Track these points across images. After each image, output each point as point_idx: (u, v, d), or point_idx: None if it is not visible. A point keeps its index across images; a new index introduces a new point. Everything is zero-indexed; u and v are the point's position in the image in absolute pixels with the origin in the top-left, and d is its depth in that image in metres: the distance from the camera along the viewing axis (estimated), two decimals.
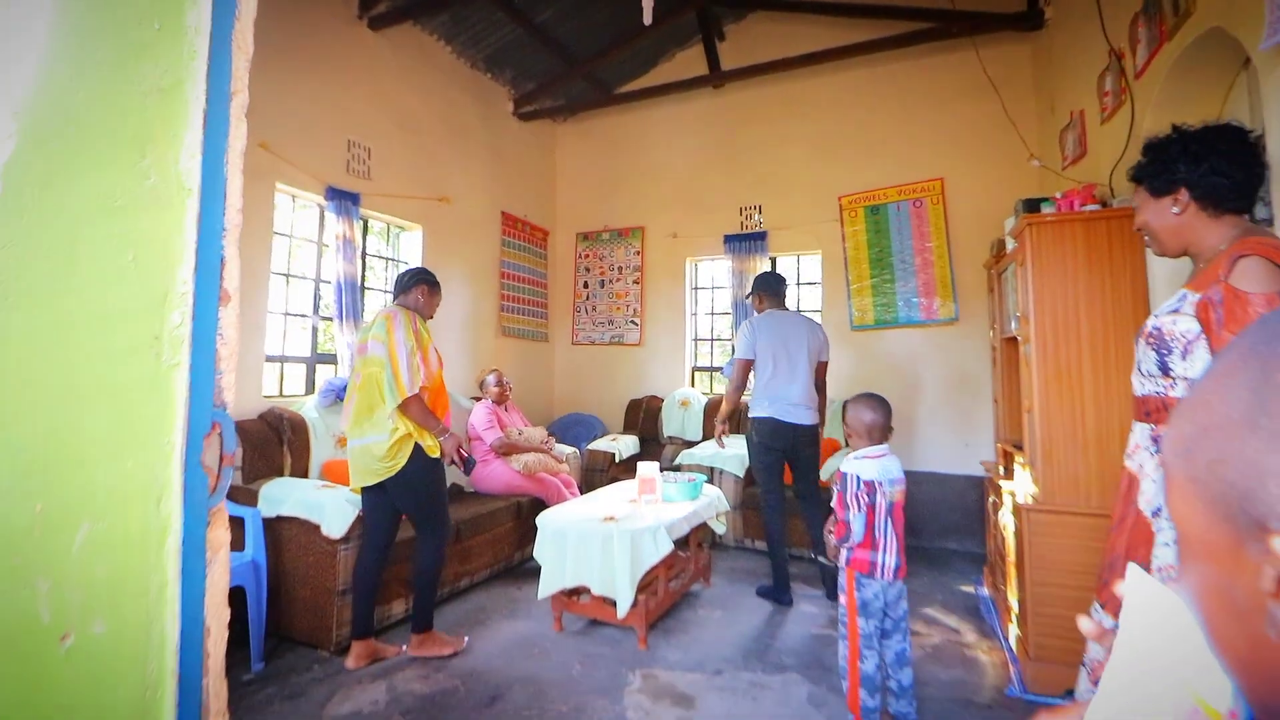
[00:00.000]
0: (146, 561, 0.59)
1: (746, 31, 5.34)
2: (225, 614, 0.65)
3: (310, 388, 3.85)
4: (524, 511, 3.78)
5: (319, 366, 3.94)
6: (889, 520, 1.99)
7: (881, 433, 2.10)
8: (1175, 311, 1.35)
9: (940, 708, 2.26)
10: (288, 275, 3.75)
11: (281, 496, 2.73)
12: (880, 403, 2.14)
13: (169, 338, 0.62)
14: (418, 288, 2.76)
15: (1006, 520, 2.78)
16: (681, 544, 3.16)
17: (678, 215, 5.60)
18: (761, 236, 5.16)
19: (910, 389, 4.61)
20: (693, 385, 5.57)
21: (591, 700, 2.33)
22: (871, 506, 1.99)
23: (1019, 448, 2.78)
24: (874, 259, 4.84)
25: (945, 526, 4.38)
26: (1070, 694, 1.77)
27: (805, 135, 5.15)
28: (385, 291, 4.46)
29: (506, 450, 3.91)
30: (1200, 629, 0.37)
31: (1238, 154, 1.32)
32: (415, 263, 4.50)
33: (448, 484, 2.84)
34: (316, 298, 3.92)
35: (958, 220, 4.54)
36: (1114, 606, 1.49)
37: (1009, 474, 2.97)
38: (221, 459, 0.65)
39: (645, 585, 2.85)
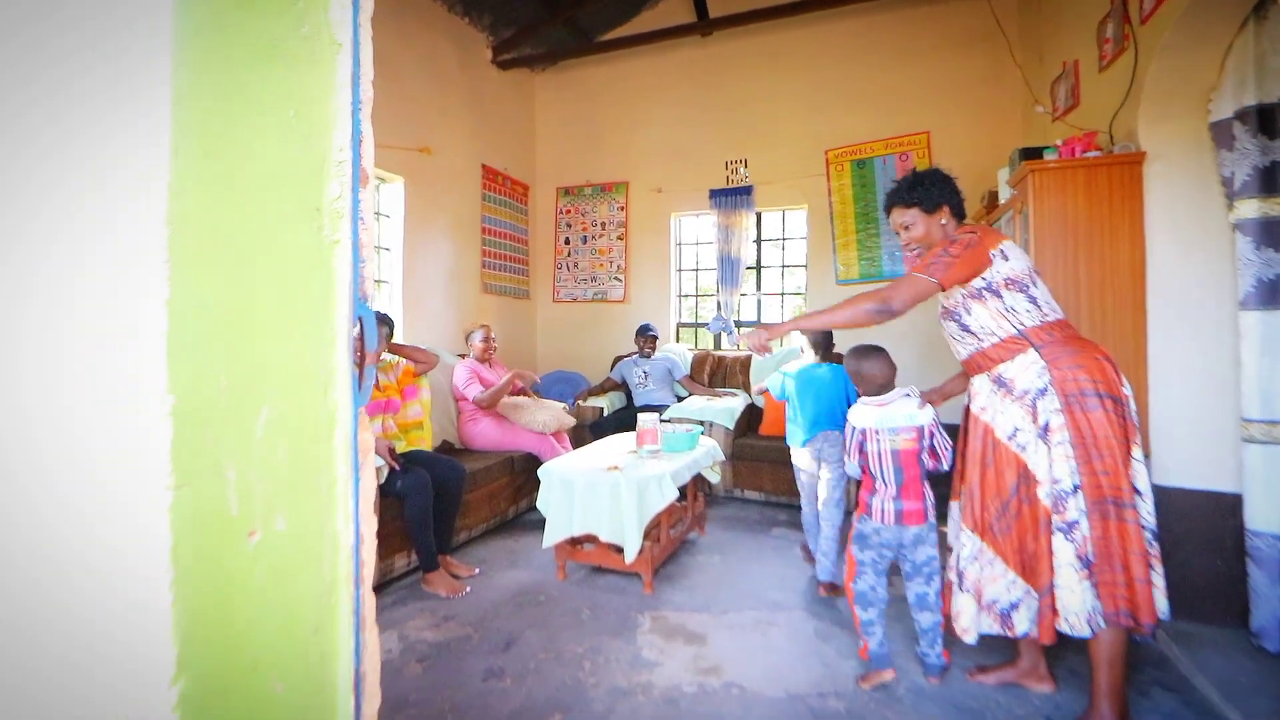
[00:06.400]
0: (318, 456, 0.55)
1: None
2: (374, 523, 0.61)
3: None
4: (517, 466, 3.75)
5: None
6: (895, 467, 2.05)
7: (880, 385, 2.17)
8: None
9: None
10: None
11: None
12: (877, 354, 2.23)
13: (329, 210, 0.56)
14: None
15: None
16: (680, 493, 3.19)
17: (662, 169, 5.50)
18: (748, 191, 5.12)
19: (895, 342, 4.66)
20: (678, 341, 5.56)
21: (606, 641, 2.36)
22: (864, 452, 2.09)
23: None
24: (859, 213, 4.86)
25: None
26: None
27: (792, 87, 5.07)
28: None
29: (489, 402, 3.81)
30: None
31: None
32: (397, 216, 4.34)
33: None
34: None
35: None
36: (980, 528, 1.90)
37: None
38: (364, 357, 0.60)
39: (649, 532, 2.88)
